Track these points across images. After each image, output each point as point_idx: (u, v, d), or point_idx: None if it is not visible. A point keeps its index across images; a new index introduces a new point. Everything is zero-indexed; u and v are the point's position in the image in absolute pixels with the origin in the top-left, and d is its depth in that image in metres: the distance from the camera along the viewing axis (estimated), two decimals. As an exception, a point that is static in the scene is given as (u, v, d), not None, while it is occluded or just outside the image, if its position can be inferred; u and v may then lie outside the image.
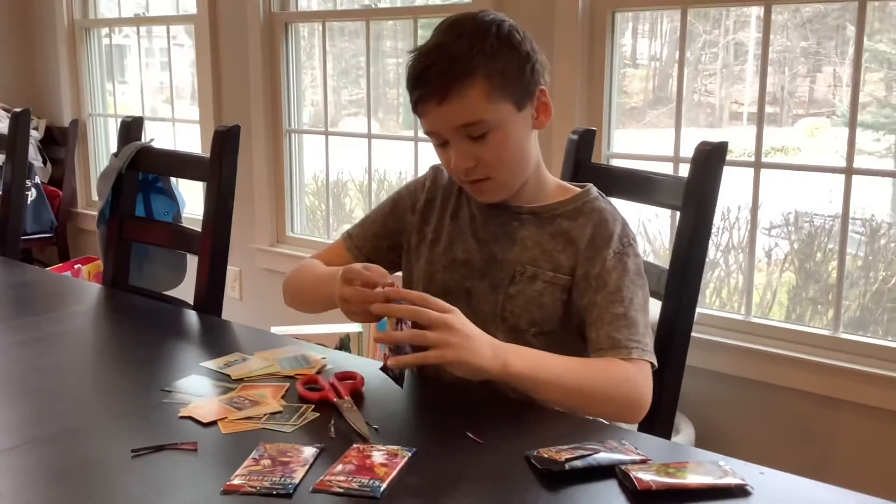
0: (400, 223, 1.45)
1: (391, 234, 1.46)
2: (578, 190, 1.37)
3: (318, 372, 1.30)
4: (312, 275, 1.42)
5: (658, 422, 1.36)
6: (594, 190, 1.37)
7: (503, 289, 1.32)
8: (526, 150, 1.31)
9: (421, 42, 1.31)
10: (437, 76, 1.23)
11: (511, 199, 1.34)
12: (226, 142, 1.73)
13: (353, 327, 2.65)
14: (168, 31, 3.96)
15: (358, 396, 1.21)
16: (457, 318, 1.14)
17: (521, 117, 1.28)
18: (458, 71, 1.22)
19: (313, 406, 1.16)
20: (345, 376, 1.27)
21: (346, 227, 1.51)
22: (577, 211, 1.33)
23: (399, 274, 1.48)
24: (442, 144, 1.30)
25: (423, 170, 1.50)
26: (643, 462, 0.99)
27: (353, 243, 1.47)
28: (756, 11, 2.61)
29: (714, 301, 2.71)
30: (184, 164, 1.95)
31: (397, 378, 1.18)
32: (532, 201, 1.35)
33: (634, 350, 1.22)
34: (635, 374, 1.21)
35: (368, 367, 1.29)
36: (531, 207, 1.34)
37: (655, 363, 1.25)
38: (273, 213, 3.43)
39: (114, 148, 1.99)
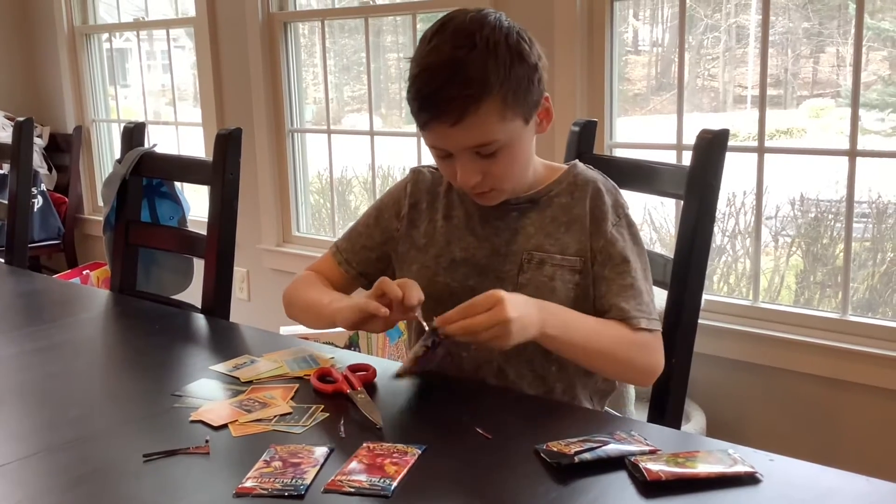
0: (386, 233, 1.43)
1: (378, 245, 1.44)
2: (566, 166, 1.38)
3: (332, 365, 1.31)
4: (308, 298, 1.40)
5: (668, 410, 1.37)
6: (580, 164, 1.39)
7: (511, 280, 1.31)
8: (529, 157, 1.31)
9: (420, 37, 1.27)
10: (451, 99, 1.18)
11: None
12: (228, 145, 1.73)
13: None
14: (168, 34, 3.96)
15: (371, 388, 1.22)
16: (503, 306, 1.13)
17: (528, 129, 1.27)
18: (474, 94, 1.17)
19: (322, 406, 1.17)
20: (358, 368, 1.28)
21: (352, 224, 1.50)
22: (571, 186, 1.34)
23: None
24: (445, 157, 1.28)
25: (425, 164, 1.49)
26: (652, 453, 0.99)
27: (343, 257, 1.45)
28: (756, -6, 2.60)
29: (722, 287, 2.70)
30: (187, 169, 1.95)
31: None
32: (527, 189, 1.35)
33: (642, 319, 1.26)
34: (652, 342, 1.28)
35: (379, 364, 1.29)
36: (528, 195, 1.34)
37: (660, 329, 1.29)
38: (278, 213, 3.44)
39: (118, 153, 2.00)
